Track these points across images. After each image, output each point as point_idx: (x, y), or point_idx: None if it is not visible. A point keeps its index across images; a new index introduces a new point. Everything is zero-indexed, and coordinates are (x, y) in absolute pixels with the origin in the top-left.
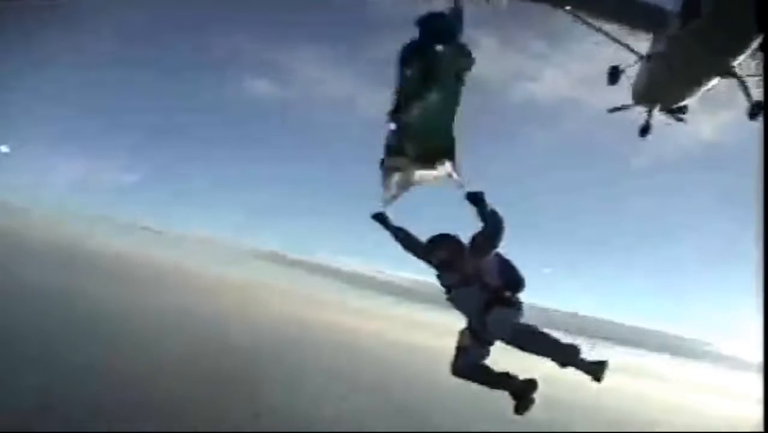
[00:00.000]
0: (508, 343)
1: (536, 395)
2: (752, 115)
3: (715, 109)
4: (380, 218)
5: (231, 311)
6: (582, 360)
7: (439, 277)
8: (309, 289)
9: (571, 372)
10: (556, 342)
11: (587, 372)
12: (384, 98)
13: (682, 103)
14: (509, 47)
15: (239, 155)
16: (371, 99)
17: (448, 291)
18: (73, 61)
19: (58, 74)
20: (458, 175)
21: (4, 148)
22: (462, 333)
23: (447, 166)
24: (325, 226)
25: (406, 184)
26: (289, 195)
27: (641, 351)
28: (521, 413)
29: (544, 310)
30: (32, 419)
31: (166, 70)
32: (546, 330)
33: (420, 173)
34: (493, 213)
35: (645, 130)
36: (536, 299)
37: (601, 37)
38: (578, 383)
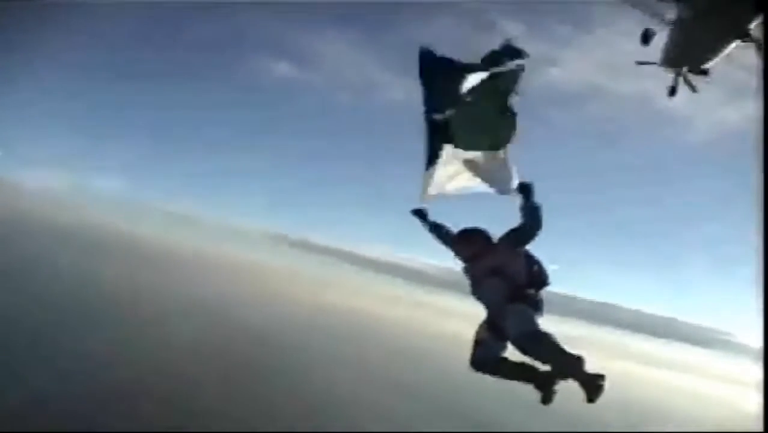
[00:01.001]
0: (514, 343)
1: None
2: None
3: (735, 101)
4: (420, 213)
5: (254, 295)
6: (582, 372)
7: (465, 268)
8: (334, 275)
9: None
10: (562, 350)
11: (585, 387)
12: (404, 83)
13: (705, 66)
14: (536, 33)
15: (261, 141)
16: (392, 83)
17: (473, 282)
18: (85, 51)
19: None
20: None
21: None
22: (481, 326)
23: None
24: (347, 212)
25: (455, 186)
26: (313, 181)
27: (658, 340)
28: (547, 403)
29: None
30: (49, 396)
31: (184, 52)
32: (556, 338)
33: (470, 174)
34: (537, 208)
35: (672, 91)
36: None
37: (625, 25)
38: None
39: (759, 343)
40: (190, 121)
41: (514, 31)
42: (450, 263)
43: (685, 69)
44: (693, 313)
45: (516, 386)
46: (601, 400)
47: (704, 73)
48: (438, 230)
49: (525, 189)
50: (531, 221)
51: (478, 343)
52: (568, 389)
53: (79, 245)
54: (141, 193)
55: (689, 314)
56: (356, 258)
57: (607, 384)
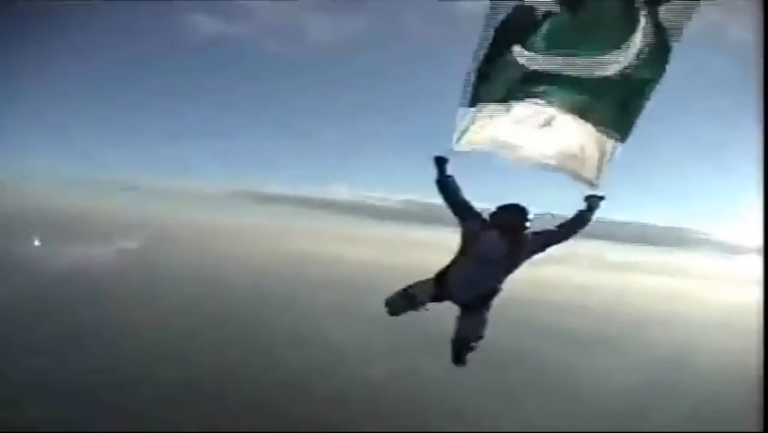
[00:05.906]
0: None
1: (546, 299)
2: None
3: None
4: (440, 161)
5: (223, 256)
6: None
7: (465, 240)
8: (301, 223)
9: (579, 278)
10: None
11: (455, 354)
12: (331, 22)
13: None
14: None
15: (194, 100)
16: (320, 23)
17: (474, 252)
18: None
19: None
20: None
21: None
22: (426, 283)
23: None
24: (290, 157)
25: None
26: (255, 133)
27: (639, 246)
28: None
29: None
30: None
31: (107, 14)
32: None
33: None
34: (588, 222)
35: None
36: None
37: None
38: (585, 287)
39: (757, 242)
40: (124, 85)
41: None
42: (402, 195)
43: None
44: (691, 219)
45: (530, 315)
46: (599, 312)
47: None
48: (447, 185)
49: (593, 204)
50: (573, 231)
51: (408, 296)
52: (581, 309)
53: (31, 226)
54: (73, 163)
55: (687, 220)
56: (317, 202)
57: (607, 294)
